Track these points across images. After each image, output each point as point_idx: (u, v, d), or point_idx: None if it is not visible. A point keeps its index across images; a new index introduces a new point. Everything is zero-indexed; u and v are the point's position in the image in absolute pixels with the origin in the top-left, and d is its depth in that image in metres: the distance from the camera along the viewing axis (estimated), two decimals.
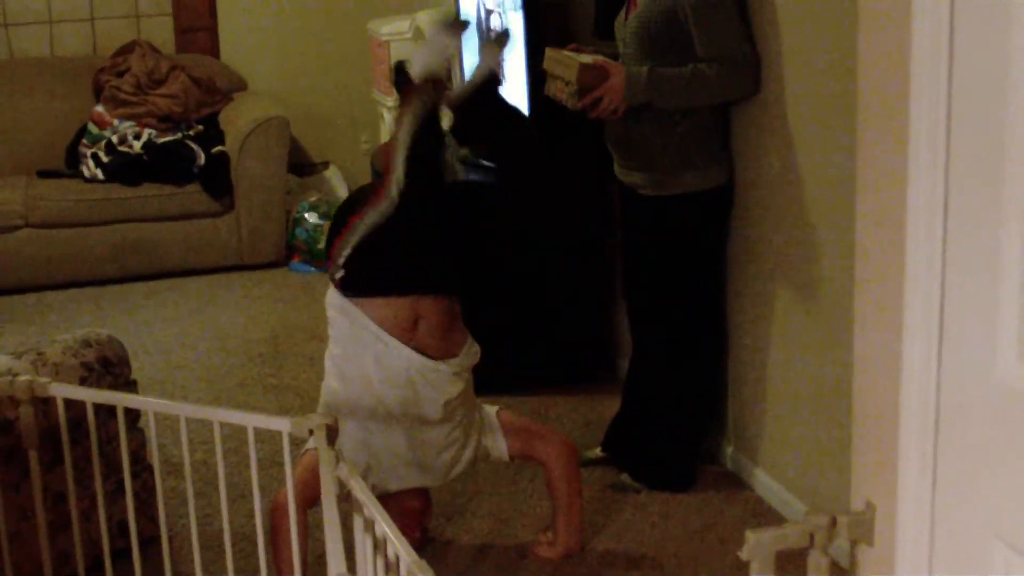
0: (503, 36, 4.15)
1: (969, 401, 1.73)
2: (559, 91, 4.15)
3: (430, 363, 3.55)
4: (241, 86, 7.73)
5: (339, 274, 3.53)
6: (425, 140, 3.63)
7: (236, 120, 7.16)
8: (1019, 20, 1.55)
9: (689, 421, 4.29)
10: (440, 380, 3.57)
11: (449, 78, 4.07)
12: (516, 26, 4.87)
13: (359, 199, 3.76)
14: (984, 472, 1.71)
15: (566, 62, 4.08)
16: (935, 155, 1.70)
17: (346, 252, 3.51)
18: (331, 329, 3.62)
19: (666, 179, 4.04)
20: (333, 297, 3.59)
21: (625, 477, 4.31)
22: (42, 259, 6.80)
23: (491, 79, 3.92)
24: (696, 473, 4.32)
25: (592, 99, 3.97)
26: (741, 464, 4.32)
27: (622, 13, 4.18)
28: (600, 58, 4.06)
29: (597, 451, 4.46)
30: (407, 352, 3.53)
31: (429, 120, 3.66)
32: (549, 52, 4.26)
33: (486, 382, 4.00)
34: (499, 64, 3.95)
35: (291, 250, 7.07)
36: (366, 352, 3.53)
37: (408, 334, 3.54)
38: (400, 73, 3.79)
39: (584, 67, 3.98)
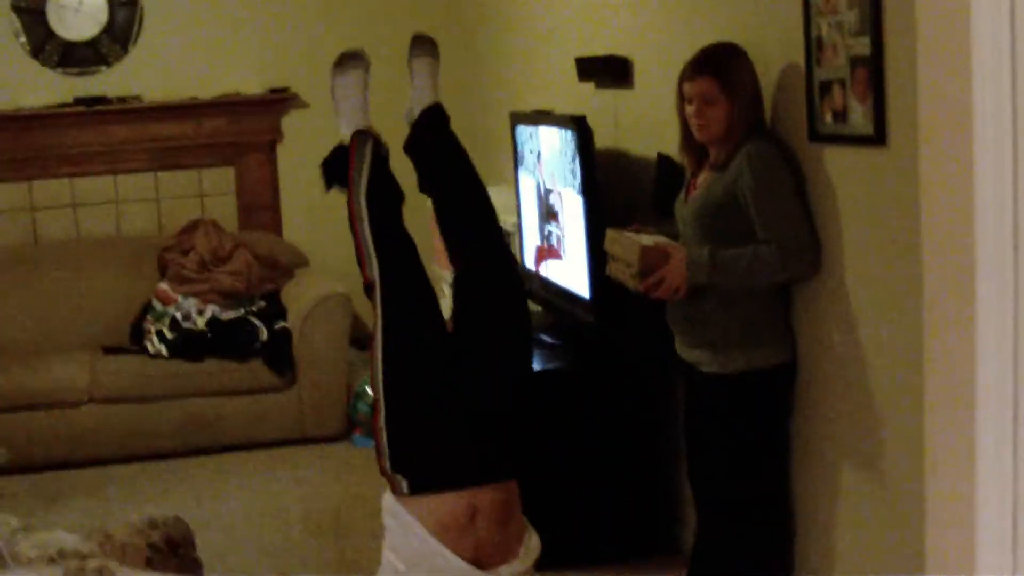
0: (421, 41, 3.99)
1: None
2: (620, 272, 4.20)
3: (490, 574, 3.39)
4: (303, 262, 7.86)
5: (387, 462, 3.41)
6: (383, 197, 3.57)
7: (298, 296, 7.27)
8: None
9: None
10: None
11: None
12: (576, 206, 4.95)
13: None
14: None
15: (627, 244, 4.14)
16: (1003, 329, 1.73)
17: (383, 428, 3.42)
18: (387, 536, 3.47)
19: (727, 357, 4.07)
20: (387, 501, 3.47)
21: None
22: (106, 434, 6.87)
23: (433, 110, 3.81)
24: None
25: (654, 281, 4.02)
26: None
27: (682, 194, 4.25)
28: (661, 239, 4.12)
29: None
30: (464, 566, 3.36)
31: (380, 174, 3.60)
32: (610, 233, 4.33)
33: (549, 558, 4.00)
34: (436, 80, 3.83)
35: (353, 424, 7.11)
36: (423, 564, 3.38)
37: (466, 531, 3.39)
38: (333, 154, 3.75)
39: (645, 249, 4.04)
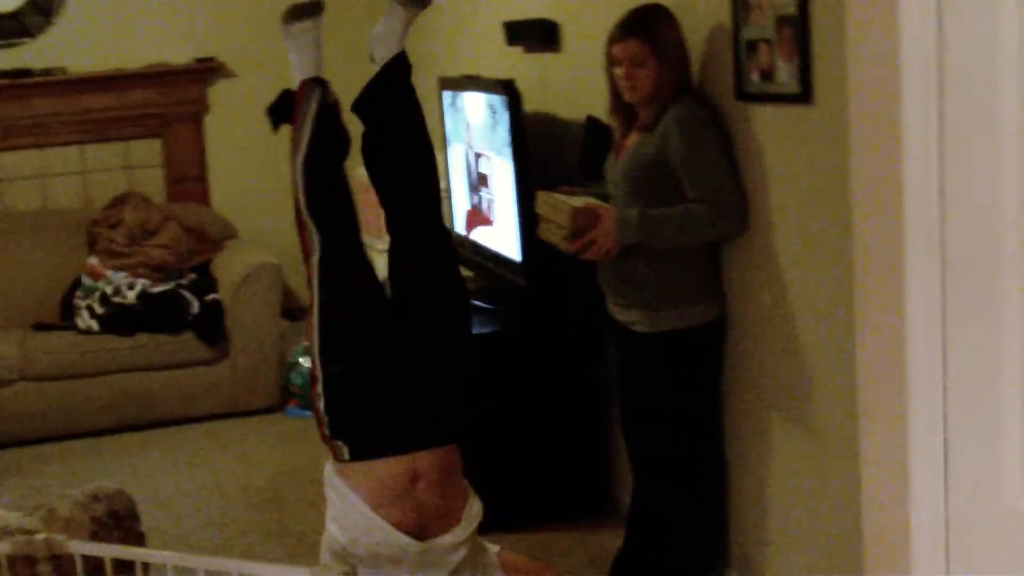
0: None
1: (977, 524, 1.78)
2: (551, 234, 4.23)
3: (431, 544, 3.43)
4: (232, 234, 7.84)
5: (327, 429, 3.43)
6: (327, 145, 3.53)
7: (229, 268, 7.25)
8: (1005, 137, 1.63)
9: (693, 552, 4.33)
10: (443, 554, 3.47)
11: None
12: (506, 171, 4.97)
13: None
14: None
15: (558, 206, 4.17)
16: (930, 280, 1.77)
17: (321, 395, 3.44)
18: (329, 508, 3.49)
19: (659, 316, 4.11)
20: (328, 474, 3.49)
21: None
22: (39, 412, 6.83)
23: (397, 62, 3.66)
24: None
25: (584, 242, 4.06)
26: None
27: (611, 155, 4.28)
28: (592, 201, 4.16)
29: None
30: (404, 540, 3.39)
31: (326, 122, 3.54)
32: (541, 195, 4.35)
33: (488, 519, 4.03)
34: (403, 35, 3.65)
35: (287, 395, 7.11)
36: (363, 537, 3.40)
37: (408, 495, 3.43)
38: (279, 98, 3.68)
39: (576, 210, 4.07)
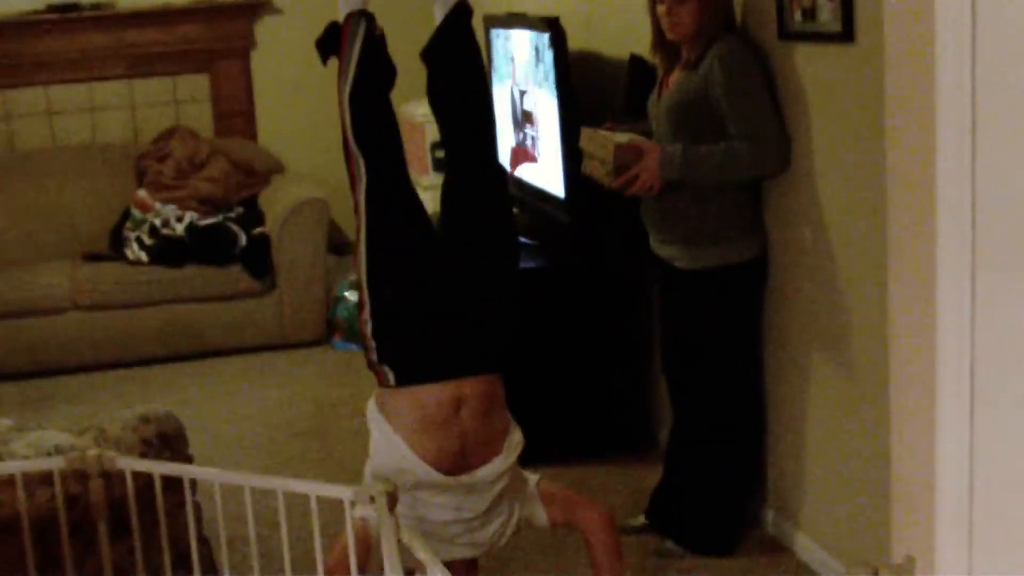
0: None
1: (1003, 456, 1.83)
2: (595, 170, 4.28)
3: (470, 479, 3.52)
4: (279, 168, 7.92)
5: (374, 354, 3.52)
6: (372, 76, 3.59)
7: (276, 202, 7.34)
8: None
9: (729, 487, 4.40)
10: (483, 487, 3.55)
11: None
12: (550, 108, 5.02)
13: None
14: (1016, 517, 1.81)
15: (602, 141, 4.21)
16: (961, 218, 1.82)
17: (368, 320, 3.53)
18: (372, 443, 3.59)
19: (701, 252, 4.17)
20: (371, 412, 3.58)
21: (669, 544, 4.42)
22: (88, 340, 6.96)
23: (460, 9, 3.74)
24: (738, 538, 4.42)
25: (628, 178, 4.11)
26: (782, 528, 4.42)
27: (654, 93, 4.33)
28: (636, 137, 4.20)
29: (641, 519, 4.56)
30: (442, 479, 3.48)
31: (372, 54, 3.59)
32: (585, 131, 4.40)
33: (528, 454, 4.10)
34: None
35: (332, 328, 7.20)
36: (403, 476, 3.48)
37: (451, 421, 3.50)
38: (326, 32, 3.72)
39: (620, 146, 4.12)
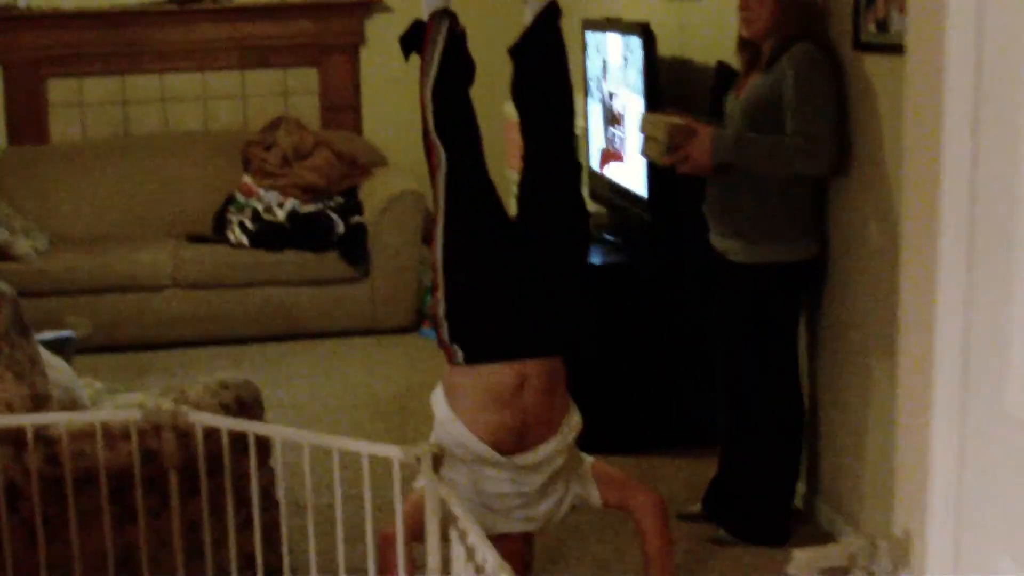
0: None
1: (988, 433, 1.95)
2: (650, 149, 4.42)
3: (528, 459, 3.67)
4: (381, 162, 8.11)
5: (446, 333, 3.68)
6: (453, 72, 3.72)
7: (375, 193, 7.54)
8: None
9: (778, 479, 4.50)
10: (539, 465, 3.70)
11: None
12: (638, 108, 5.15)
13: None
14: (996, 496, 1.93)
15: (657, 122, 4.35)
16: (959, 223, 1.94)
17: (441, 301, 3.70)
18: (435, 426, 3.78)
19: (756, 247, 4.28)
20: (436, 395, 3.77)
21: (722, 532, 4.53)
22: (187, 317, 7.22)
23: (551, 10, 3.88)
24: (790, 528, 4.52)
25: (679, 156, 4.22)
26: (833, 521, 4.51)
27: (733, 91, 4.45)
28: (691, 118, 4.33)
29: (697, 507, 4.68)
30: (500, 459, 3.64)
31: (453, 50, 3.73)
32: (645, 115, 4.55)
33: (596, 441, 4.21)
34: None
35: (422, 317, 7.37)
36: (463, 452, 3.67)
37: (515, 398, 3.64)
38: (410, 29, 3.87)
39: (674, 125, 4.25)
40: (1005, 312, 1.88)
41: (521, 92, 3.95)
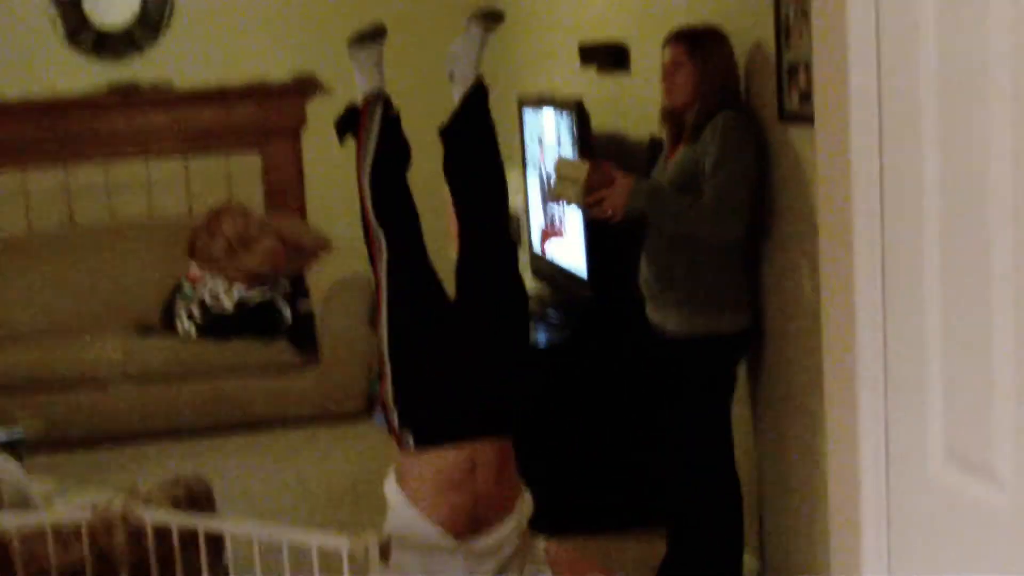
0: (494, 16, 4.04)
1: (912, 499, 2.00)
2: (565, 190, 4.44)
3: (483, 542, 3.66)
4: (326, 245, 8.10)
5: (396, 419, 3.70)
6: (390, 156, 3.79)
7: (321, 278, 7.57)
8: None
9: (724, 555, 4.50)
10: (493, 549, 3.69)
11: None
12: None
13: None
14: (925, 556, 1.97)
15: (577, 165, 4.41)
16: (873, 293, 2.00)
17: (389, 388, 3.72)
18: (388, 514, 3.76)
19: (694, 319, 4.31)
20: (389, 483, 3.76)
21: None
22: (138, 411, 7.19)
23: (477, 91, 3.96)
24: None
25: (596, 198, 4.26)
26: None
27: (660, 163, 4.51)
28: (610, 165, 4.38)
29: None
30: (453, 544, 3.63)
31: (389, 134, 3.80)
32: (560, 159, 4.61)
33: (543, 523, 4.21)
34: (480, 54, 3.94)
35: (372, 402, 7.37)
36: (416, 540, 3.66)
37: (467, 482, 3.65)
38: (345, 113, 3.93)
39: (594, 166, 4.30)
40: (920, 383, 1.94)
41: (453, 172, 4.01)
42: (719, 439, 4.45)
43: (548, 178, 4.56)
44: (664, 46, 4.35)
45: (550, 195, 4.61)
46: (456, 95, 4.02)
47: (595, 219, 4.38)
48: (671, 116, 4.41)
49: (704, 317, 4.31)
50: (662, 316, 4.42)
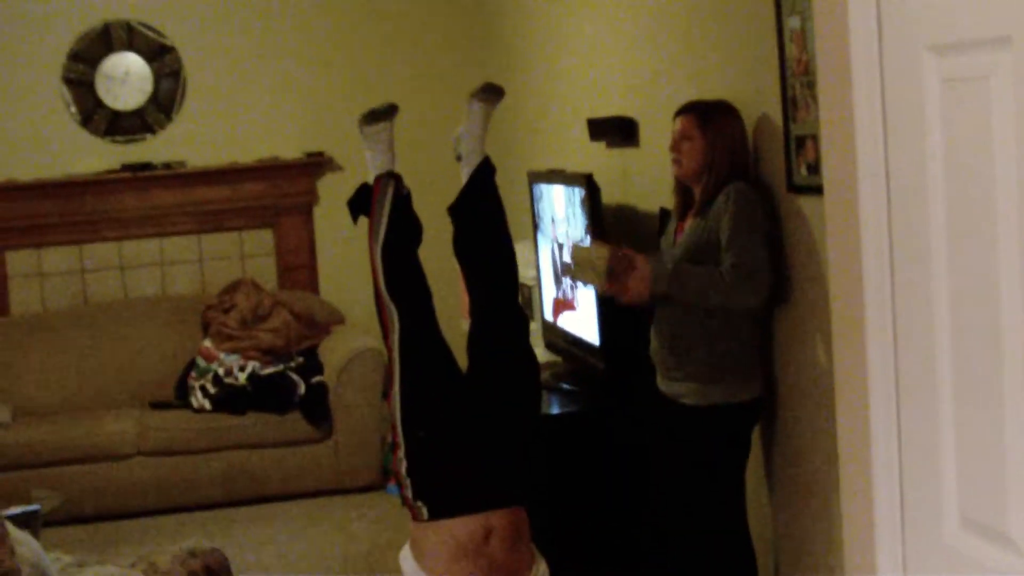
0: (493, 90, 4.15)
1: (928, 564, 2.03)
2: (585, 275, 4.44)
3: None
4: (339, 319, 8.21)
5: (409, 491, 3.72)
6: (401, 233, 3.84)
7: (334, 352, 7.61)
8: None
9: None
10: None
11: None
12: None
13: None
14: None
15: (595, 249, 4.42)
16: (885, 359, 2.04)
17: (403, 460, 3.76)
18: None
19: (709, 389, 4.32)
20: (404, 555, 3.78)
21: None
22: (153, 485, 7.23)
23: (484, 168, 4.03)
24: None
25: (619, 287, 4.27)
26: None
27: (669, 233, 4.55)
28: (629, 248, 4.42)
29: None
30: None
31: (400, 212, 3.85)
32: (576, 246, 4.63)
33: None
34: (484, 131, 4.03)
35: (387, 473, 7.40)
36: None
37: (481, 551, 3.66)
38: (356, 192, 4.00)
39: (614, 250, 4.33)
40: (934, 449, 1.98)
41: (462, 248, 4.08)
42: (734, 506, 4.46)
43: (566, 265, 4.56)
44: (674, 117, 4.42)
45: (570, 276, 4.61)
46: (464, 174, 4.09)
47: (622, 305, 4.40)
48: (679, 187, 4.47)
49: (720, 387, 4.33)
50: (678, 388, 4.44)
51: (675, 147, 4.37)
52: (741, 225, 4.19)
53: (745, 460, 4.47)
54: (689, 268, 4.23)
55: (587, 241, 4.94)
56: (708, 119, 4.31)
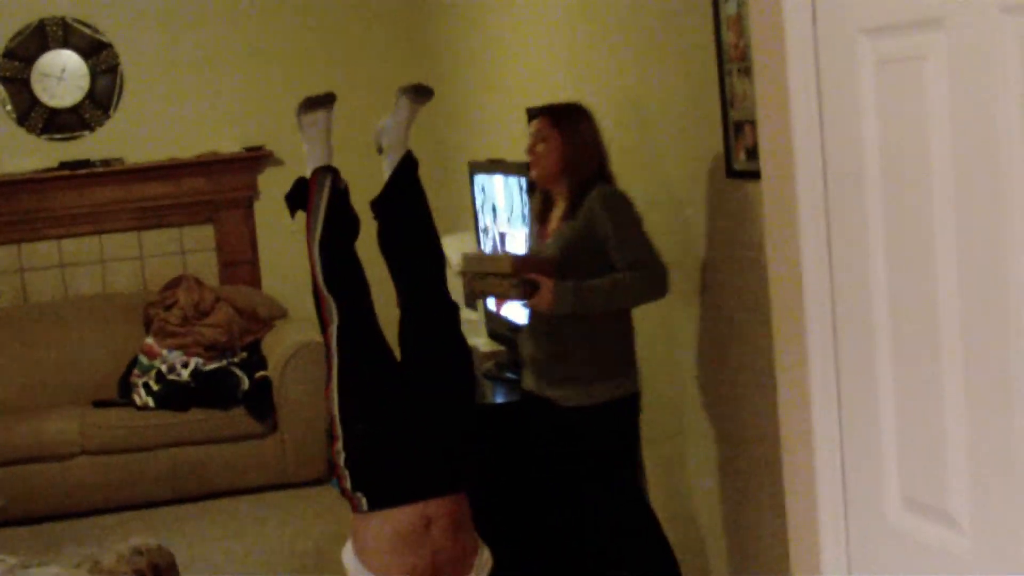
0: (423, 91, 4.19)
1: (871, 544, 2.05)
2: (493, 286, 4.37)
3: None
4: (282, 314, 8.18)
5: (348, 482, 3.75)
6: (339, 227, 3.86)
7: (277, 346, 7.59)
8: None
9: None
10: None
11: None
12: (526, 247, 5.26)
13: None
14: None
15: (496, 258, 4.39)
16: (824, 341, 2.05)
17: (341, 451, 3.77)
18: None
19: (591, 389, 4.32)
20: (347, 552, 3.82)
21: None
22: (98, 484, 7.18)
23: (407, 163, 4.06)
24: None
25: (528, 295, 4.23)
26: None
27: (534, 233, 4.57)
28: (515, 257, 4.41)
29: None
30: None
31: (337, 206, 3.88)
32: (467, 256, 4.58)
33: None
34: (409, 128, 4.06)
35: (333, 467, 7.38)
36: None
37: (423, 539, 3.71)
38: (294, 187, 4.01)
39: (519, 258, 4.32)
40: (875, 431, 1.99)
41: (387, 243, 4.08)
42: (636, 491, 4.50)
43: (468, 277, 4.44)
44: (529, 121, 4.43)
45: (472, 293, 4.56)
46: (386, 167, 4.10)
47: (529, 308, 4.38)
48: (537, 189, 4.48)
49: (604, 384, 4.33)
50: (558, 392, 4.40)
51: (531, 150, 4.38)
52: (623, 225, 4.22)
53: (638, 450, 4.49)
54: (590, 284, 4.20)
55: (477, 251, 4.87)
56: (561, 120, 4.34)
